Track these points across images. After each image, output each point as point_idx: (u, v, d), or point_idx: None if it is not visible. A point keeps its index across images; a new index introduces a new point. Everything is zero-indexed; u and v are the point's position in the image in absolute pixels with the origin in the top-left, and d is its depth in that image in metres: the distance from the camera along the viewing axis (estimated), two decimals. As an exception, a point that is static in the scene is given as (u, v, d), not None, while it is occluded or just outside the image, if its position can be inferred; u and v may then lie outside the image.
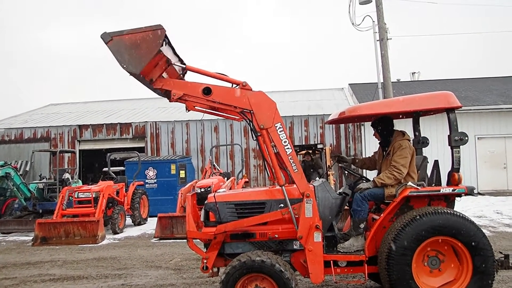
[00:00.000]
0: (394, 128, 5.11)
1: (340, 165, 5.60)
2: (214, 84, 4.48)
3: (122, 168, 15.49)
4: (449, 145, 4.68)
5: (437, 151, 9.17)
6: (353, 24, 16.82)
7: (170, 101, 4.50)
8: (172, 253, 8.50)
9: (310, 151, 13.18)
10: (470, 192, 4.61)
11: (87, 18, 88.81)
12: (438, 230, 4.29)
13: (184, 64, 4.65)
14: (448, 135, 4.68)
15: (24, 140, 19.44)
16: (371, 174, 6.21)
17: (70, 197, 11.17)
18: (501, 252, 4.88)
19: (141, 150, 18.37)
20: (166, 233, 10.23)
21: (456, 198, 4.70)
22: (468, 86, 21.19)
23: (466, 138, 4.62)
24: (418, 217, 4.31)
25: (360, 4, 16.93)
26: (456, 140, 4.60)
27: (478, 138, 17.29)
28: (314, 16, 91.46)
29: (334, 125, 17.64)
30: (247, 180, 15.96)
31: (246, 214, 4.64)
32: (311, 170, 12.00)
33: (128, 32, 4.06)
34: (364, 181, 5.11)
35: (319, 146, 13.30)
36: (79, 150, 19.25)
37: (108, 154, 13.69)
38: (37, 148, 17.27)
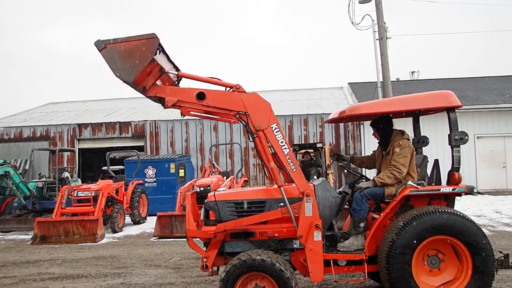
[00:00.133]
0: (393, 128, 5.10)
1: (339, 163, 5.61)
2: (208, 89, 4.46)
3: (121, 167, 15.45)
4: (449, 144, 4.68)
5: (437, 150, 9.20)
6: (352, 23, 16.88)
7: (164, 108, 4.49)
8: (172, 252, 8.50)
9: (310, 151, 13.18)
10: (470, 191, 4.62)
11: (87, 18, 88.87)
12: (438, 229, 4.29)
13: (178, 70, 4.63)
14: (448, 134, 4.68)
15: (23, 138, 19.44)
16: (370, 173, 6.22)
17: (70, 196, 11.14)
18: (501, 252, 4.89)
19: (141, 149, 18.38)
20: (166, 232, 10.21)
21: (456, 197, 4.71)
22: (467, 85, 21.18)
23: (466, 137, 4.61)
24: (418, 216, 4.31)
25: (359, 3, 16.98)
26: (456, 140, 4.60)
27: (477, 137, 17.29)
28: (314, 16, 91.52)
29: (333, 124, 17.65)
30: (246, 179, 15.96)
31: (246, 213, 4.65)
32: (310, 169, 11.99)
33: (122, 40, 4.04)
34: (364, 180, 5.11)
35: (319, 145, 13.30)
36: (79, 149, 19.25)
37: (108, 153, 13.70)
38: (37, 146, 17.23)
